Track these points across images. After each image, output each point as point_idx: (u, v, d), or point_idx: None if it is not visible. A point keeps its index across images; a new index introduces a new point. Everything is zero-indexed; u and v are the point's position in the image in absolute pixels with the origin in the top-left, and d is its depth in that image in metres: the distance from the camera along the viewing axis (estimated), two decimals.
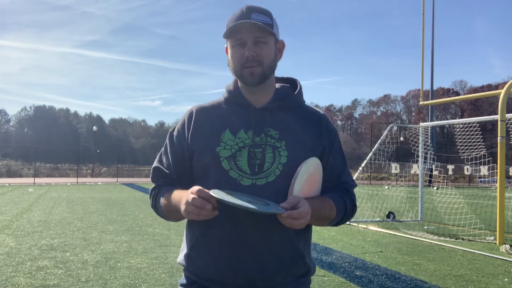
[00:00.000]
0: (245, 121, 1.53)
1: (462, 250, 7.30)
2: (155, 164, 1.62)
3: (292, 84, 1.68)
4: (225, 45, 1.57)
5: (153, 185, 1.63)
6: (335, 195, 1.55)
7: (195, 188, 1.34)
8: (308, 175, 1.46)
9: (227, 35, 1.52)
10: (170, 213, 1.52)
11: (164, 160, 1.60)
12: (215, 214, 1.33)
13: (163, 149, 1.63)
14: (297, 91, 1.62)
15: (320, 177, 1.54)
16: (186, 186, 1.50)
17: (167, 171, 1.58)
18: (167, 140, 1.63)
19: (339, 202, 1.53)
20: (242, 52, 1.49)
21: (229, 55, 1.55)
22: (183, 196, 1.40)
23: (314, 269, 1.61)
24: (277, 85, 1.63)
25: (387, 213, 11.72)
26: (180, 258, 1.60)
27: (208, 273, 1.50)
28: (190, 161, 1.55)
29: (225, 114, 1.56)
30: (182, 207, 1.36)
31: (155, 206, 1.59)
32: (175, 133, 1.62)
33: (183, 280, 1.59)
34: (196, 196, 1.32)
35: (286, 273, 1.50)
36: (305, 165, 1.45)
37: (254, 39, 1.48)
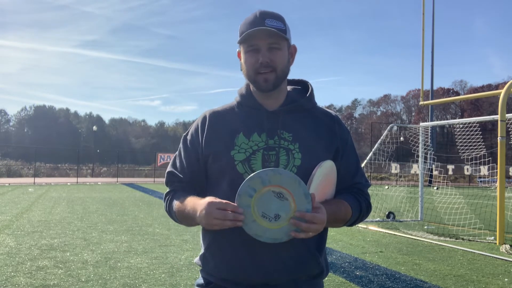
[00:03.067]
0: (258, 124, 1.54)
1: (462, 250, 7.30)
2: (169, 168, 1.64)
3: (303, 86, 1.69)
4: (238, 50, 1.58)
5: (167, 189, 1.65)
6: (349, 196, 1.57)
7: (210, 201, 1.37)
8: (323, 178, 1.47)
9: (241, 41, 1.53)
10: (184, 219, 1.55)
11: (178, 164, 1.62)
12: (236, 224, 1.35)
13: (177, 153, 1.65)
14: (308, 93, 1.63)
15: (334, 180, 1.55)
16: (201, 190, 1.56)
17: (181, 176, 1.60)
18: (181, 145, 1.64)
19: (353, 204, 1.55)
20: (256, 58, 1.50)
21: (242, 60, 1.56)
22: (197, 205, 1.43)
23: (327, 271, 1.62)
24: (289, 88, 1.65)
25: (387, 213, 11.71)
26: (197, 258, 1.63)
27: (222, 273, 1.52)
28: (205, 165, 1.57)
29: (238, 117, 1.58)
30: (203, 221, 1.39)
31: (169, 211, 1.61)
32: (188, 137, 1.63)
33: (199, 280, 1.61)
34: (216, 209, 1.34)
35: (299, 273, 1.51)
36: (320, 168, 1.46)
37: (268, 45, 1.50)
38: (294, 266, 1.49)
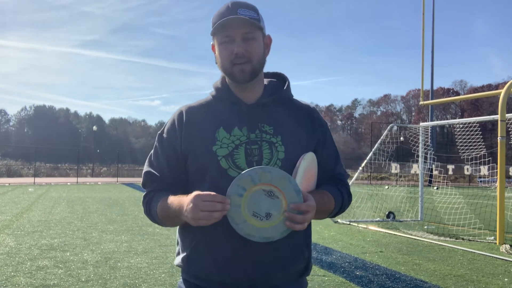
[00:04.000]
0: (238, 118, 1.51)
1: (462, 250, 7.30)
2: (146, 168, 1.57)
3: (279, 78, 1.66)
4: (211, 43, 1.55)
5: (146, 191, 1.59)
6: (331, 187, 1.57)
7: (196, 194, 1.32)
8: (305, 170, 1.47)
9: (214, 32, 1.49)
10: (167, 219, 1.49)
11: (155, 163, 1.55)
12: (224, 213, 1.32)
13: (152, 152, 1.58)
14: (286, 85, 1.61)
15: (315, 171, 1.55)
16: (181, 189, 1.48)
17: (159, 175, 1.53)
18: (156, 143, 1.58)
19: (336, 194, 1.56)
20: (231, 49, 1.46)
21: (216, 52, 1.53)
22: (183, 201, 1.38)
23: (311, 268, 1.62)
24: (265, 81, 1.62)
25: (387, 213, 11.71)
26: (178, 260, 1.56)
27: (209, 274, 1.47)
28: (184, 163, 1.51)
29: (217, 112, 1.53)
30: (189, 215, 1.33)
31: (149, 212, 1.54)
32: (165, 135, 1.55)
33: (181, 284, 1.55)
34: (202, 201, 1.30)
35: (296, 269, 1.50)
36: (303, 161, 1.46)
37: (243, 35, 1.46)
38: (291, 263, 1.48)
